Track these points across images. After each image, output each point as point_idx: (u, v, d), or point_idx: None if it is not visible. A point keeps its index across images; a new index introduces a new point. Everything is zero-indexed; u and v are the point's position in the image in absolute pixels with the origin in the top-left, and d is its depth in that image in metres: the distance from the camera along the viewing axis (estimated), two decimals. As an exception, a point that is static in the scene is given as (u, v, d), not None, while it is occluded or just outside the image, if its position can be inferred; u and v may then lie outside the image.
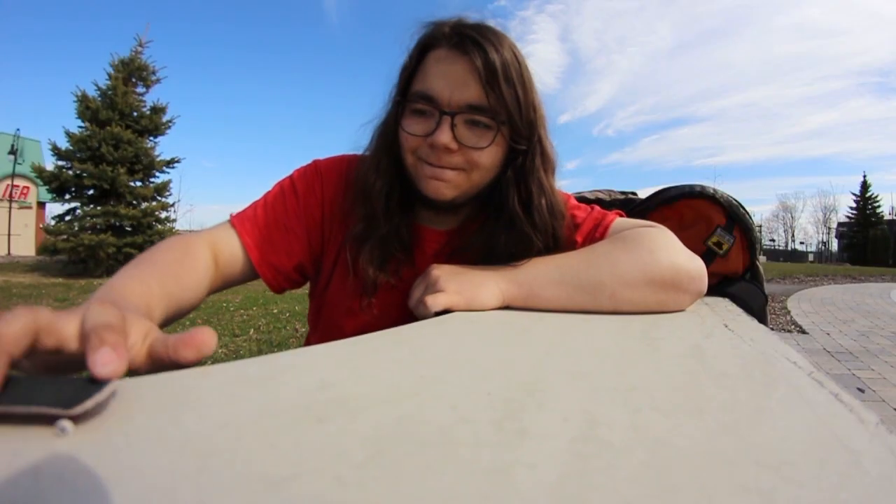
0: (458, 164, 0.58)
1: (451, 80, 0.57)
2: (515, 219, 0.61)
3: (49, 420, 0.21)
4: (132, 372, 0.30)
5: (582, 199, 0.91)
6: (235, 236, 0.60)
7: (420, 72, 0.60)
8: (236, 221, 0.61)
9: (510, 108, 0.58)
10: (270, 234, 0.62)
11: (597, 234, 0.65)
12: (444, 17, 0.61)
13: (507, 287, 0.57)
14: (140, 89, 9.98)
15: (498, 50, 0.57)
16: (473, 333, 0.41)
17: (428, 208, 0.63)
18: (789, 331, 4.66)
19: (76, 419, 0.21)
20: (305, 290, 0.75)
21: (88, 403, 0.22)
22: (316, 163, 0.68)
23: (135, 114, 9.54)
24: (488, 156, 0.59)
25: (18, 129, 16.13)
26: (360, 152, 0.66)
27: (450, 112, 0.56)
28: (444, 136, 0.56)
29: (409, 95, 0.59)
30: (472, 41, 0.56)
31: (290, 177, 0.66)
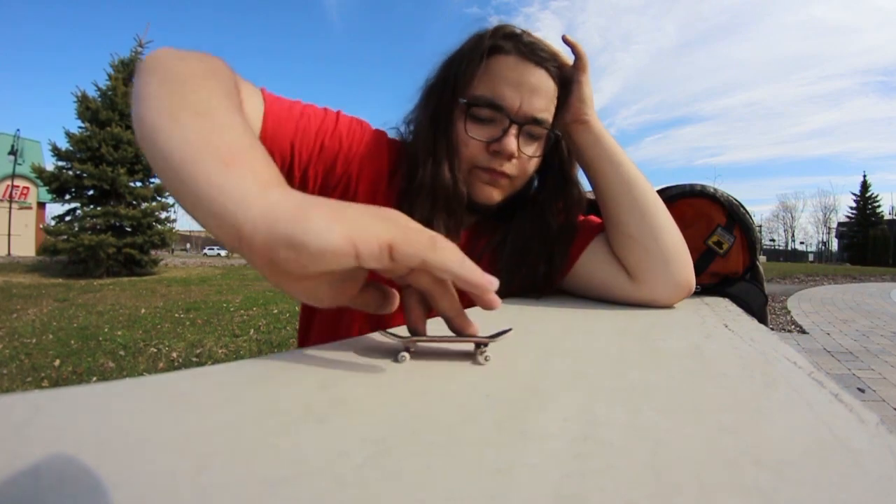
0: (511, 172, 0.59)
1: (522, 90, 0.57)
2: (546, 211, 0.64)
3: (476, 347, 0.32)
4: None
5: None
6: (260, 102, 0.53)
7: (485, 76, 0.58)
8: (265, 92, 0.54)
9: (556, 119, 0.61)
10: (293, 119, 0.55)
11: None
12: (483, 23, 0.62)
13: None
14: (140, 89, 9.94)
15: (558, 66, 0.59)
16: (473, 333, 0.41)
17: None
18: (789, 331, 4.66)
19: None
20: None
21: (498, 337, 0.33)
22: (363, 121, 0.63)
23: (135, 114, 9.51)
24: (535, 164, 0.61)
25: (18, 130, 16.19)
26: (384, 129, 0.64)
27: (517, 121, 0.57)
28: (512, 144, 0.57)
29: (472, 99, 0.58)
30: (540, 55, 0.57)
31: (339, 111, 0.61)
